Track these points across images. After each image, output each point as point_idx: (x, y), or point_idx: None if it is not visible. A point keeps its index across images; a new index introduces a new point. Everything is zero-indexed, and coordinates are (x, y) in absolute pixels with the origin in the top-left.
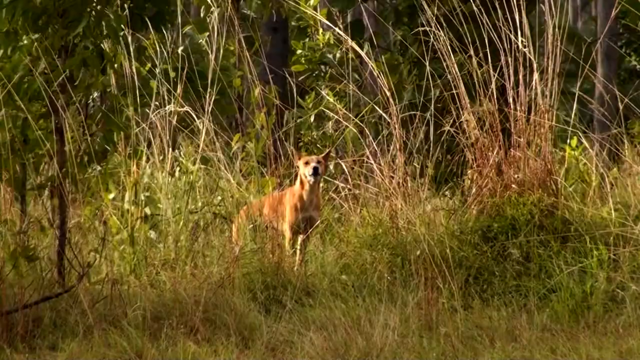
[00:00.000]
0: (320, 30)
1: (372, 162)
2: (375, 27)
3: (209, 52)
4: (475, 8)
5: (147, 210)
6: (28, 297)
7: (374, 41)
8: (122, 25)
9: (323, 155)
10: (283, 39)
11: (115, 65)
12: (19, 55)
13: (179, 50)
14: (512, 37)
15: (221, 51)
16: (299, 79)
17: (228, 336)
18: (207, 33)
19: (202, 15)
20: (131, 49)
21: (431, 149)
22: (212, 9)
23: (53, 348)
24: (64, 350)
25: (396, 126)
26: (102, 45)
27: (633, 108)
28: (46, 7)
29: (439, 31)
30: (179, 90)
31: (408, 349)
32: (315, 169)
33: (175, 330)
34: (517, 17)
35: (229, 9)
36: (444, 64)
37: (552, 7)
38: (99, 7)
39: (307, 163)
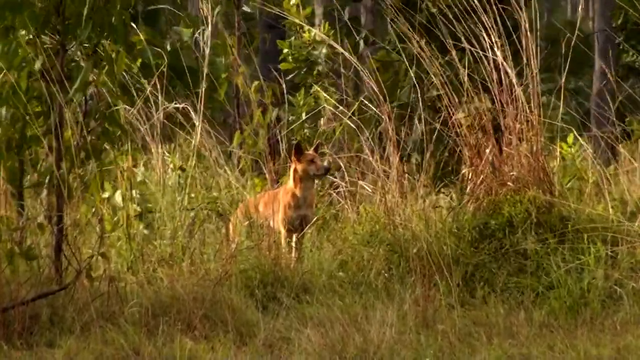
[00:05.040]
0: (307, 28)
1: (370, 158)
2: (373, 24)
3: (205, 47)
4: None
5: (140, 208)
6: (25, 294)
7: (370, 38)
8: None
9: (313, 148)
10: (279, 36)
11: (116, 67)
12: (18, 52)
13: (168, 46)
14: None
15: (208, 48)
16: (288, 77)
17: (225, 333)
18: (191, 30)
19: (204, 11)
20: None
21: (425, 146)
22: (216, 8)
23: (50, 345)
24: (61, 347)
25: (389, 124)
26: (101, 44)
27: (632, 104)
28: (47, 9)
29: (433, 29)
30: (157, 86)
31: (405, 346)
32: (327, 169)
33: (173, 327)
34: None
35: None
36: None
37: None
38: (100, 5)
39: (312, 161)
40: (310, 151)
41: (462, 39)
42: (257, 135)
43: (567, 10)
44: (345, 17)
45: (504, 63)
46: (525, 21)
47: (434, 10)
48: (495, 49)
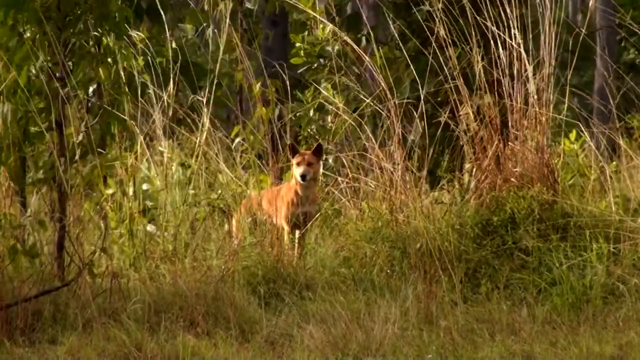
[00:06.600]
0: (321, 25)
1: (372, 155)
2: (375, 21)
3: (201, 45)
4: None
5: (146, 204)
6: (28, 291)
7: (372, 35)
8: (126, 21)
9: (313, 150)
10: (283, 33)
11: (119, 62)
12: (24, 48)
13: (173, 44)
14: (504, 33)
15: (210, 44)
16: (298, 71)
17: (228, 330)
18: (194, 26)
19: (205, 8)
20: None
21: (427, 143)
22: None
23: (53, 342)
24: (64, 343)
25: (394, 120)
26: (104, 40)
27: (633, 101)
28: (48, 5)
29: (438, 23)
30: (169, 88)
31: (408, 343)
32: (303, 176)
33: (175, 324)
34: (509, 11)
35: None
36: (444, 56)
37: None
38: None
39: (298, 164)
40: (308, 151)
41: (472, 33)
42: (258, 131)
43: (569, 6)
44: (347, 14)
45: (524, 55)
46: (527, 17)
47: (434, 8)
48: (512, 41)
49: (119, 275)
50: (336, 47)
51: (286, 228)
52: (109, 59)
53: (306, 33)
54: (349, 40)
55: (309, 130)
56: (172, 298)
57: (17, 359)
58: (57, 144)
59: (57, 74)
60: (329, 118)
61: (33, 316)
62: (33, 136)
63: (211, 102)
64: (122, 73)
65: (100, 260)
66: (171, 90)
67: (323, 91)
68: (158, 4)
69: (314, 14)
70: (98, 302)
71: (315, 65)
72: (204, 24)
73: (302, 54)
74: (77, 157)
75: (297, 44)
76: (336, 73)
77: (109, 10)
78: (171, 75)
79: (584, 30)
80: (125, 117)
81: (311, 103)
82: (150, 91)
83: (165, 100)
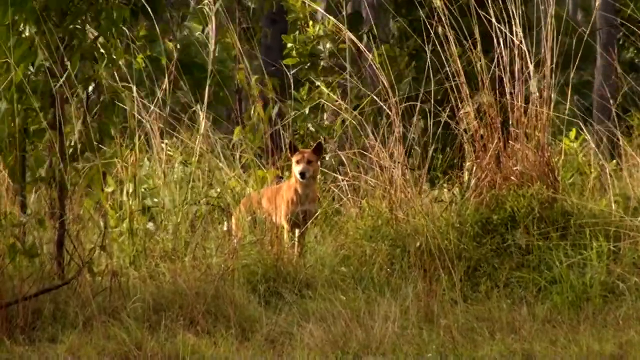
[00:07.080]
0: (311, 22)
1: (372, 154)
2: (375, 19)
3: (208, 43)
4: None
5: (146, 203)
6: (28, 289)
7: (374, 33)
8: (124, 18)
9: (313, 148)
10: (282, 31)
11: (115, 59)
12: (22, 47)
13: (178, 44)
14: (507, 31)
15: (208, 43)
16: (292, 71)
17: (228, 328)
18: (202, 26)
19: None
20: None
21: (430, 140)
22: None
23: (53, 340)
24: (64, 342)
25: (395, 118)
26: (102, 38)
27: (633, 100)
28: (47, 4)
29: (440, 21)
30: (164, 85)
31: (407, 341)
32: (302, 174)
33: (175, 322)
34: (512, 9)
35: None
36: (444, 55)
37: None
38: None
39: (297, 162)
40: (308, 150)
41: (474, 31)
42: (257, 130)
43: (569, 4)
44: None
45: (525, 53)
46: (521, 16)
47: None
48: (515, 40)
49: (118, 274)
50: (328, 45)
51: (286, 226)
52: (106, 57)
53: (297, 32)
54: (352, 37)
55: (305, 128)
56: (172, 296)
57: (17, 357)
58: (56, 142)
59: (56, 73)
60: (325, 116)
61: (33, 315)
62: (33, 134)
63: (206, 102)
64: (116, 73)
65: (100, 259)
66: (166, 88)
67: (323, 87)
68: (146, 4)
69: (315, 6)
70: (98, 301)
71: (309, 64)
72: (204, 24)
73: (295, 54)
74: (78, 152)
75: (289, 45)
76: (330, 71)
77: (101, 7)
78: (166, 74)
79: (585, 30)
80: (126, 107)
81: (306, 101)
82: (134, 92)
83: (160, 99)
